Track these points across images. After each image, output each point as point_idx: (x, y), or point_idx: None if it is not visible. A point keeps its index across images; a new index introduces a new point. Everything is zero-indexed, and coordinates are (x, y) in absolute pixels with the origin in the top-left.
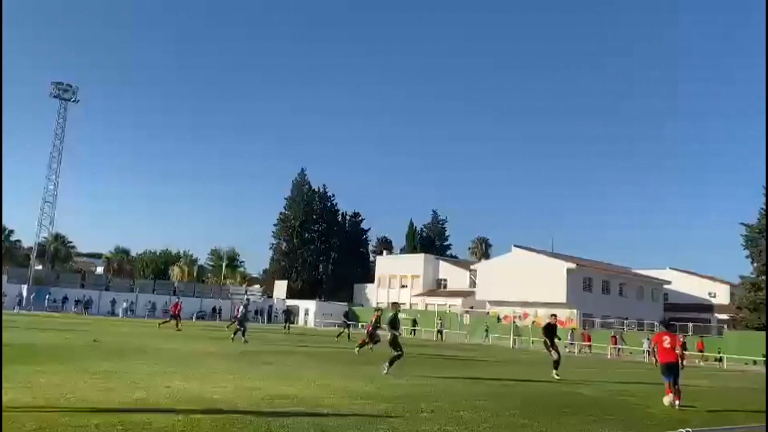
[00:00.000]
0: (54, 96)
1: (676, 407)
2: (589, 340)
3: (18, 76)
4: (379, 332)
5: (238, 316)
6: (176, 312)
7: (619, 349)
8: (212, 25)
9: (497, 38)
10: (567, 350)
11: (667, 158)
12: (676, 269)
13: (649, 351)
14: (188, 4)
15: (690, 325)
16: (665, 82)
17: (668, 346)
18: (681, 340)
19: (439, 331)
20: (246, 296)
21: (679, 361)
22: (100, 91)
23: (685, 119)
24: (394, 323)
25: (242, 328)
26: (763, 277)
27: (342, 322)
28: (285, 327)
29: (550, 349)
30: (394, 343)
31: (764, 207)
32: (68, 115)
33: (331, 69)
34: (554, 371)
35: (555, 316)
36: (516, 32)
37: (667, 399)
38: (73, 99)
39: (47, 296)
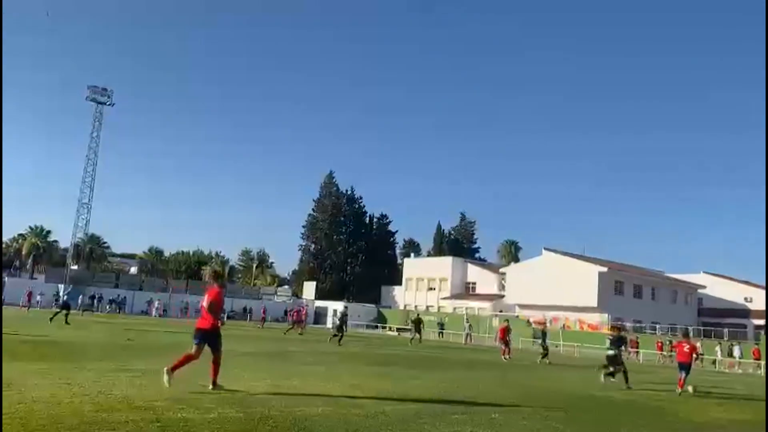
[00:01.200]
0: (90, 99)
1: (679, 393)
2: (638, 346)
3: (56, 78)
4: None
5: (337, 322)
6: (298, 318)
7: (669, 355)
8: (245, 25)
9: (516, 44)
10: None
11: (692, 158)
12: (710, 273)
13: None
14: (220, 5)
15: (726, 330)
16: (676, 76)
17: (687, 350)
18: (697, 345)
19: (468, 334)
20: (344, 305)
21: (692, 362)
22: (128, 91)
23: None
24: (617, 343)
25: (341, 334)
26: None
27: (413, 328)
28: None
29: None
30: (613, 359)
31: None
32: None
33: (357, 70)
34: (605, 375)
35: (626, 329)
36: (537, 37)
37: (678, 390)
38: (108, 102)
39: (95, 296)
